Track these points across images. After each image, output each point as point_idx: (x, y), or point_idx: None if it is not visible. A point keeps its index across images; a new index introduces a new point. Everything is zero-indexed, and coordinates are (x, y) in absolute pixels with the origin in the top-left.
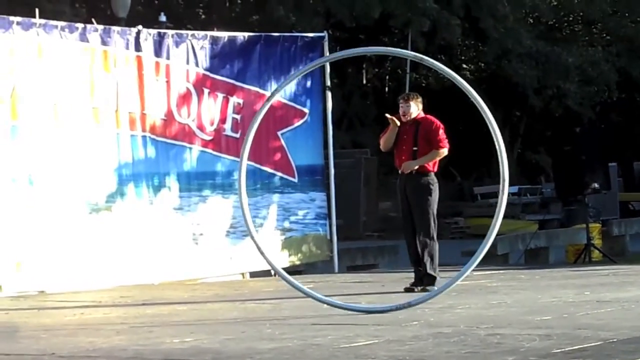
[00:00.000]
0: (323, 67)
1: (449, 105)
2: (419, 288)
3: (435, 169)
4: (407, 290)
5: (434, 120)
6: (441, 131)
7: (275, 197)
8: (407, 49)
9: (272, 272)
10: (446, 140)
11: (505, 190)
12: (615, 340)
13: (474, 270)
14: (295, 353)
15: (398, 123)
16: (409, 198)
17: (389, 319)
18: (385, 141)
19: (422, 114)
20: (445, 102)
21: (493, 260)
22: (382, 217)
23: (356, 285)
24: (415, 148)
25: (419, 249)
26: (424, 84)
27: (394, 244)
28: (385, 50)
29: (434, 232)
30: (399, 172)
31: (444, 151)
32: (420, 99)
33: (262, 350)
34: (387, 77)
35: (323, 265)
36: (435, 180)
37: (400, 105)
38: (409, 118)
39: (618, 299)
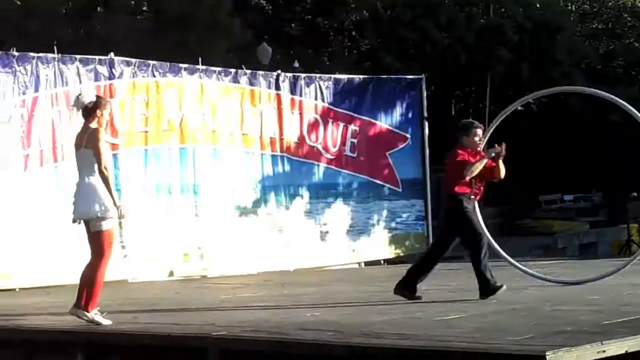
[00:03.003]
0: (421, 102)
1: (520, 130)
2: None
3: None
4: None
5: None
6: None
7: (384, 203)
8: (487, 87)
9: (382, 261)
10: None
11: None
12: None
13: (540, 260)
14: (399, 324)
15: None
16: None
17: (474, 298)
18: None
19: None
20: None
21: (554, 252)
22: None
23: (449, 272)
24: None
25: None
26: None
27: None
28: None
29: None
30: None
31: None
32: None
33: (374, 322)
34: (471, 109)
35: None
36: None
37: (480, 134)
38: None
39: None
